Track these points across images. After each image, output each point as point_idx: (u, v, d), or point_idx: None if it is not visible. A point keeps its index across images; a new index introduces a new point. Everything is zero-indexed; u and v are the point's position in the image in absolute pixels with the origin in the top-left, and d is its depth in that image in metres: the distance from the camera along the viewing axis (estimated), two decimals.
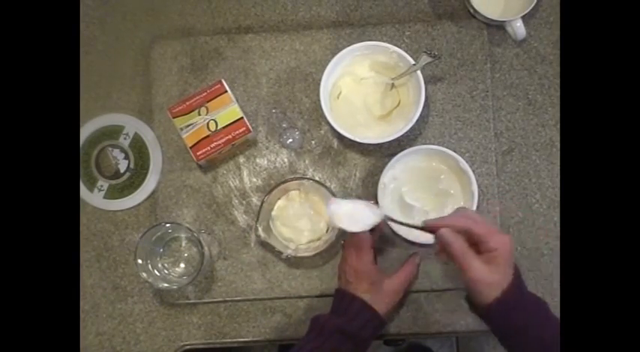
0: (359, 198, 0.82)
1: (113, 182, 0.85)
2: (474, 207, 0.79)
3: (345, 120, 0.81)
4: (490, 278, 0.65)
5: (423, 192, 0.82)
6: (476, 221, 0.67)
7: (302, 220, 0.81)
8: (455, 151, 0.80)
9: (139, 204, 0.86)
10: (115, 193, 0.85)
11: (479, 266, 0.65)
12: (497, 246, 0.65)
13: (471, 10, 0.85)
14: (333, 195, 0.78)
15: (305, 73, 0.85)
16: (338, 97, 0.83)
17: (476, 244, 0.66)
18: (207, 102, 0.81)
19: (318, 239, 0.81)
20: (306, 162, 0.85)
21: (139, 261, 0.77)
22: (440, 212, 0.81)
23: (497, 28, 0.86)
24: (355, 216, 0.71)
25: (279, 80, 0.86)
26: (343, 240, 0.80)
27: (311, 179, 0.82)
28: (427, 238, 0.81)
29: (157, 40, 0.87)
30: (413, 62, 0.78)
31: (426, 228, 0.69)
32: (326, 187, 0.79)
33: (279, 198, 0.82)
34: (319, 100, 0.80)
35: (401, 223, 0.72)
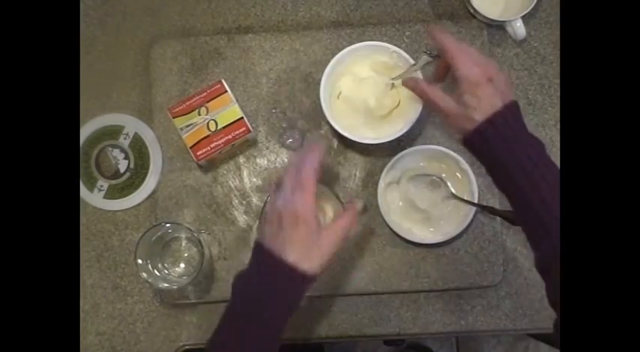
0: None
1: (113, 182, 0.85)
2: (474, 208, 0.80)
3: (345, 120, 0.81)
4: (454, 110, 0.65)
5: (423, 192, 0.82)
6: (450, 42, 0.66)
7: None
8: (455, 151, 0.80)
9: (139, 204, 0.86)
10: (115, 193, 0.85)
11: (442, 97, 0.66)
12: (460, 75, 0.64)
13: (471, 10, 0.85)
14: (337, 196, 0.78)
15: (305, 73, 0.85)
16: (338, 97, 0.83)
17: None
18: (207, 102, 0.81)
19: None
20: None
21: (139, 261, 0.77)
22: (440, 212, 0.81)
23: (497, 28, 0.86)
24: None
25: (279, 80, 0.86)
26: (278, 177, 0.69)
27: None
28: (428, 238, 0.81)
29: (157, 40, 0.87)
30: (413, 62, 0.78)
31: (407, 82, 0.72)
32: (330, 189, 0.79)
33: None
34: (319, 100, 0.80)
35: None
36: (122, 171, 0.85)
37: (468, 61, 0.65)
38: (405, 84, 0.70)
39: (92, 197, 0.85)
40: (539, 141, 0.64)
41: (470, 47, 0.68)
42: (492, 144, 0.63)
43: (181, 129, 0.81)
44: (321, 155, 0.66)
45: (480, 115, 0.63)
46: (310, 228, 0.62)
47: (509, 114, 0.64)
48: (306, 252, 0.62)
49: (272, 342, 0.64)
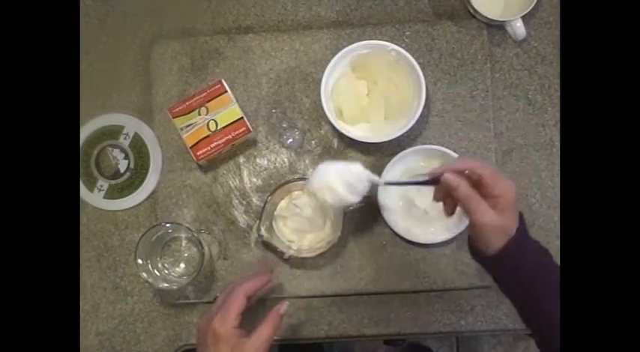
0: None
1: (113, 182, 0.85)
2: None
3: (345, 120, 0.81)
4: (498, 222, 0.62)
5: (422, 192, 0.82)
6: (480, 164, 0.65)
7: (305, 221, 0.81)
8: (455, 151, 0.80)
9: (139, 204, 0.86)
10: (115, 193, 0.85)
11: (486, 210, 0.62)
12: (500, 192, 0.63)
13: (471, 10, 0.85)
14: None
15: (305, 73, 0.85)
16: (339, 97, 0.83)
17: (479, 188, 0.64)
18: (207, 102, 0.81)
19: (321, 240, 0.81)
20: (306, 162, 0.85)
21: (139, 261, 0.77)
22: (440, 213, 0.81)
23: (497, 28, 0.86)
24: (350, 181, 0.69)
25: (279, 80, 0.86)
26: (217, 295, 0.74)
27: None
28: (428, 238, 0.81)
29: (157, 40, 0.87)
30: (413, 60, 0.78)
31: (427, 180, 0.67)
32: None
33: (282, 198, 0.82)
34: (319, 100, 0.80)
35: (403, 183, 0.73)
36: (122, 171, 0.85)
37: (498, 175, 0.64)
38: (444, 179, 0.65)
39: (92, 197, 0.85)
40: (545, 248, 0.65)
41: (479, 161, 0.68)
42: (520, 258, 0.63)
43: (181, 129, 0.81)
44: (261, 287, 0.70)
45: (513, 231, 0.63)
46: (230, 345, 0.65)
47: (526, 227, 0.65)
48: None
49: None
